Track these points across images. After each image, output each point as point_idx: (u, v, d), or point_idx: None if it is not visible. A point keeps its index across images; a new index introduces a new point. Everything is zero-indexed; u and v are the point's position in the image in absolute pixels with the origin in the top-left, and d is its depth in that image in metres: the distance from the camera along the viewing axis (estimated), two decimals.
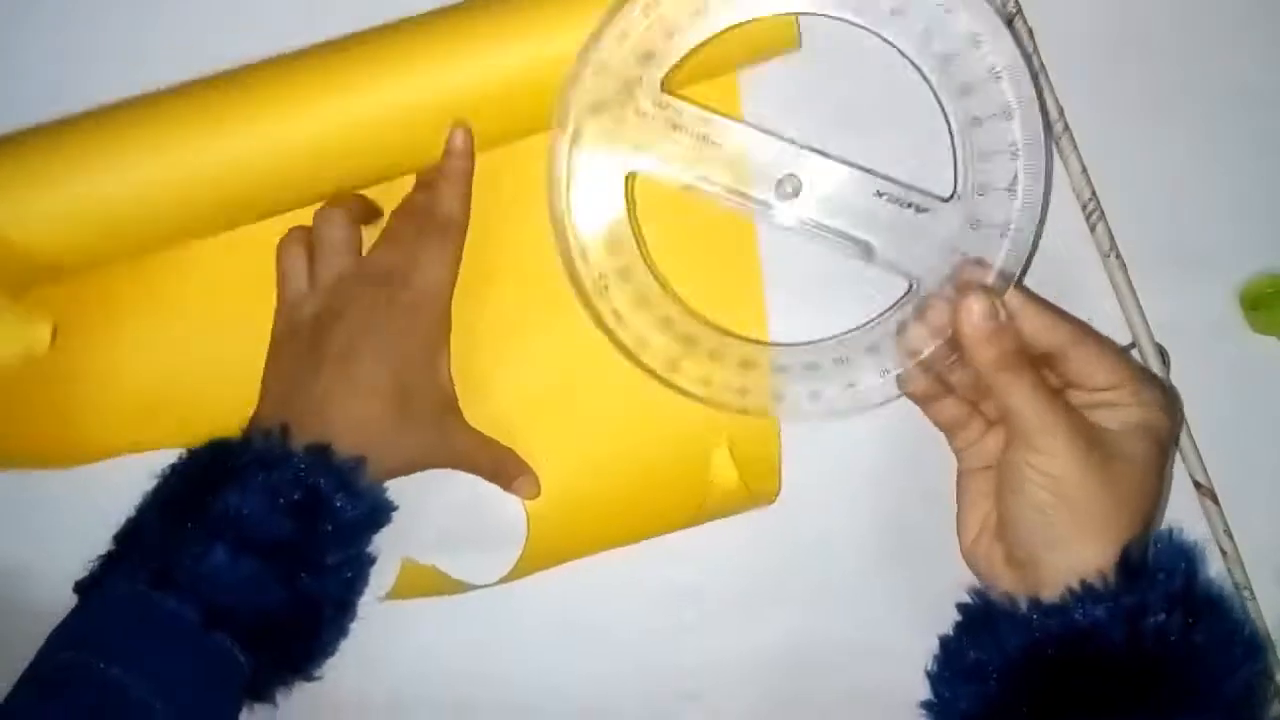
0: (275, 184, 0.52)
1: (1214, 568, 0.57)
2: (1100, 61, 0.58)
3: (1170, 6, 0.58)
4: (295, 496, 0.46)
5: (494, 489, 0.55)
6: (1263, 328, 0.58)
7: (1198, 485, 0.57)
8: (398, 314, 0.50)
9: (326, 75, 0.51)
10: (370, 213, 0.55)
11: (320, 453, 0.47)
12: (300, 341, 0.51)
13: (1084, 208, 0.58)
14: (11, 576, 0.58)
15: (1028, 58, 0.57)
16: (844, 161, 0.49)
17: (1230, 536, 0.57)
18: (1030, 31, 0.57)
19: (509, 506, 0.56)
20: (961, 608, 0.46)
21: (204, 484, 0.47)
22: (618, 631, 0.59)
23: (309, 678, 0.50)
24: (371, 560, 0.50)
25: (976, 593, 0.46)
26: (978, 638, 0.44)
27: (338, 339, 0.50)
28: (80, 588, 0.47)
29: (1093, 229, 0.58)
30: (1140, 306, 0.57)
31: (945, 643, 0.45)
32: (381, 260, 0.52)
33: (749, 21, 0.47)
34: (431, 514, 0.56)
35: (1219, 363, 0.58)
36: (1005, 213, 0.47)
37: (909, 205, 0.47)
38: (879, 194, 0.47)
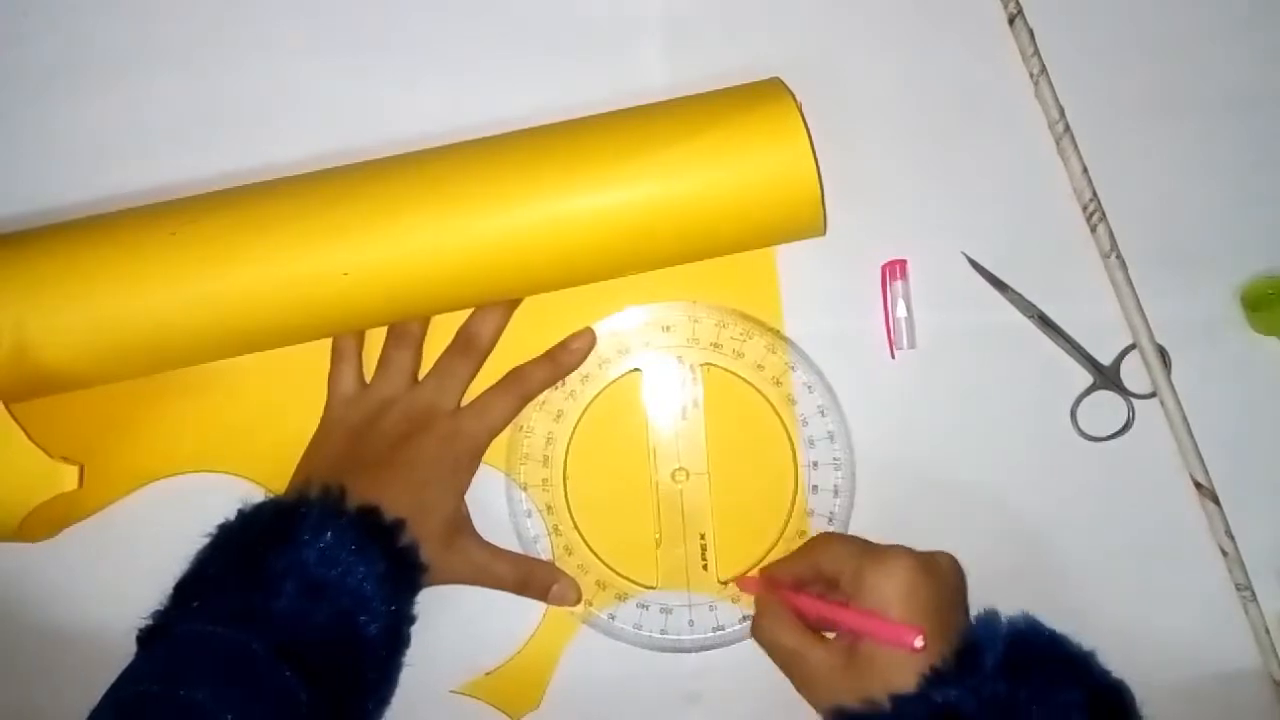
0: (315, 313, 0.54)
1: (1214, 568, 0.58)
2: (1101, 63, 0.58)
3: (1171, 9, 0.59)
4: (353, 546, 0.50)
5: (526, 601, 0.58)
6: (1263, 328, 0.58)
7: (1198, 486, 0.57)
8: (437, 443, 0.55)
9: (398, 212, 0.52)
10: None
11: (372, 512, 0.52)
12: (344, 439, 0.56)
13: (1085, 209, 0.58)
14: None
15: (1029, 59, 0.58)
16: None
17: (1231, 537, 0.57)
18: (1031, 33, 0.57)
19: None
20: None
21: (270, 534, 0.51)
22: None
23: None
24: (412, 620, 0.54)
25: (838, 713, 0.49)
26: None
27: (377, 451, 0.55)
28: (143, 636, 0.49)
29: (1093, 230, 0.58)
30: (1141, 307, 0.57)
31: None
32: (435, 391, 0.57)
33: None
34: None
35: (1219, 363, 0.58)
36: (726, 619, 0.58)
37: (704, 559, 0.59)
38: (701, 537, 0.59)
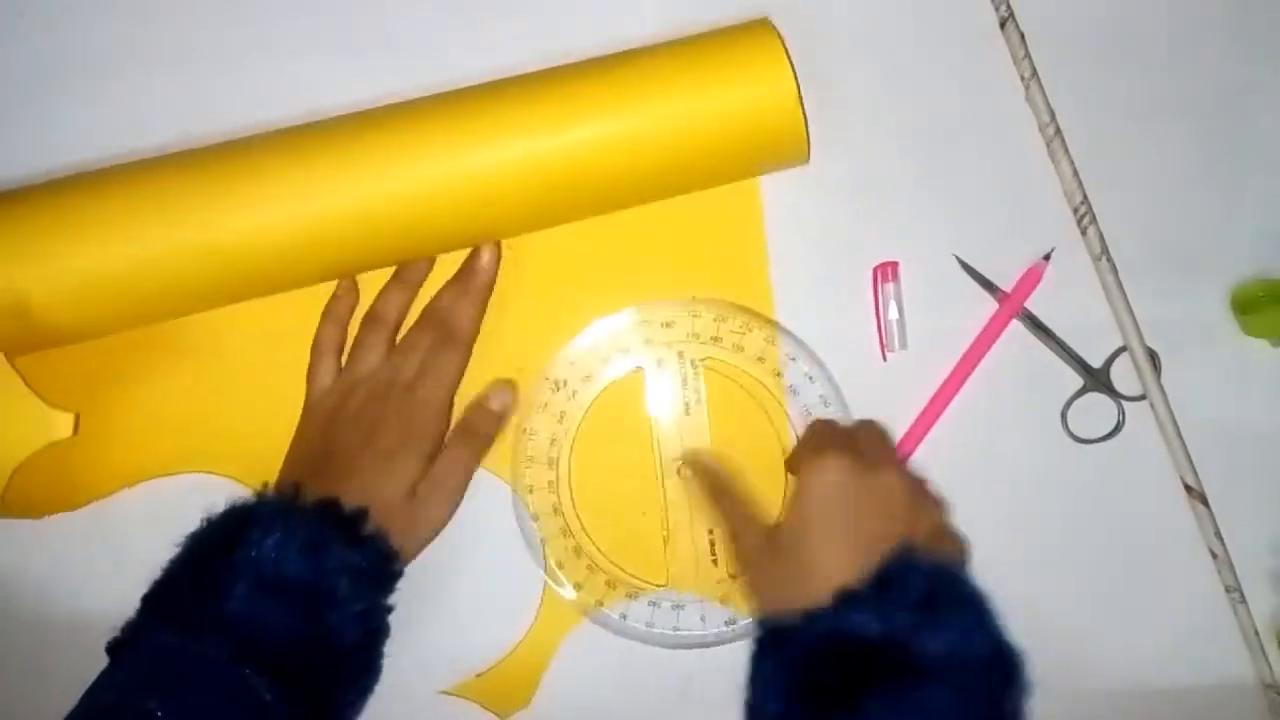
0: (305, 258, 0.55)
1: (1204, 570, 0.58)
2: (1092, 65, 0.59)
3: (1161, 11, 0.59)
4: (308, 540, 0.50)
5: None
6: (1253, 331, 0.58)
7: (1188, 488, 0.58)
8: (398, 416, 0.56)
9: (356, 151, 0.53)
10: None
11: (329, 505, 0.52)
12: (317, 432, 0.57)
13: (1075, 211, 0.58)
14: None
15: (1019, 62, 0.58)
16: None
17: (1220, 539, 0.58)
18: (1022, 36, 0.58)
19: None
20: (755, 639, 0.50)
21: (224, 540, 0.51)
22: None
23: None
24: (388, 609, 0.53)
25: (759, 621, 0.51)
26: (766, 652, 0.49)
27: (345, 436, 0.55)
28: (112, 648, 0.49)
29: (1084, 232, 0.58)
30: (1131, 310, 0.58)
31: (750, 663, 0.50)
32: (393, 368, 0.57)
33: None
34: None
35: (1210, 366, 0.58)
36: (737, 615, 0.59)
37: (713, 554, 0.59)
38: (710, 531, 0.59)
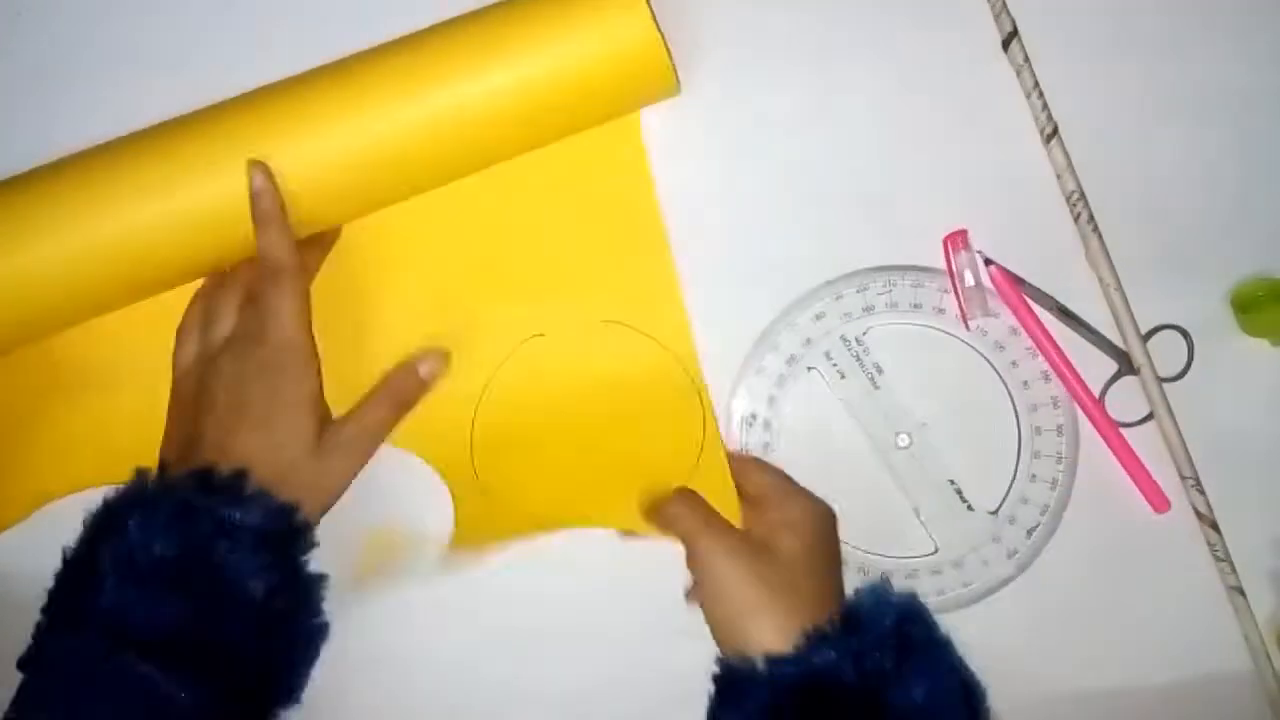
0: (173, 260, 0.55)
1: (1206, 570, 0.59)
2: (1092, 66, 0.59)
3: (1161, 14, 0.59)
4: (172, 513, 0.49)
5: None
6: (1253, 330, 0.59)
7: (1191, 486, 0.58)
8: (260, 371, 0.53)
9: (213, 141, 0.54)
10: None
11: (199, 475, 0.50)
12: (186, 408, 0.54)
13: (1074, 210, 0.58)
14: None
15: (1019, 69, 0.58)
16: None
17: (1221, 536, 0.58)
18: (1016, 30, 0.58)
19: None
20: (714, 678, 0.50)
21: (98, 532, 0.50)
22: (609, 634, 0.59)
23: (286, 703, 0.51)
24: (303, 565, 0.51)
25: (719, 661, 0.50)
26: (729, 701, 0.49)
27: (218, 407, 0.53)
28: (21, 664, 0.49)
29: (1083, 232, 0.58)
30: (1130, 309, 0.58)
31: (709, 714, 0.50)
32: (243, 323, 0.55)
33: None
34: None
35: (1209, 364, 0.59)
36: (1017, 543, 0.59)
37: (965, 500, 0.59)
38: (952, 482, 0.59)
